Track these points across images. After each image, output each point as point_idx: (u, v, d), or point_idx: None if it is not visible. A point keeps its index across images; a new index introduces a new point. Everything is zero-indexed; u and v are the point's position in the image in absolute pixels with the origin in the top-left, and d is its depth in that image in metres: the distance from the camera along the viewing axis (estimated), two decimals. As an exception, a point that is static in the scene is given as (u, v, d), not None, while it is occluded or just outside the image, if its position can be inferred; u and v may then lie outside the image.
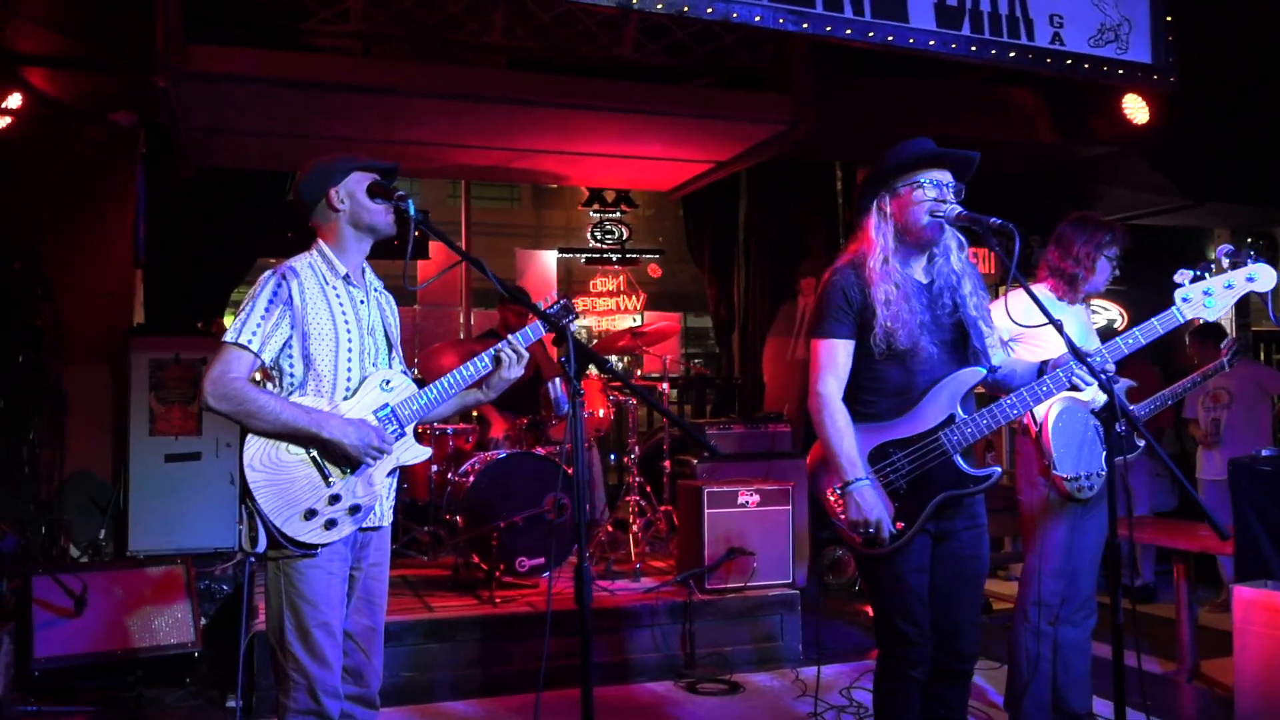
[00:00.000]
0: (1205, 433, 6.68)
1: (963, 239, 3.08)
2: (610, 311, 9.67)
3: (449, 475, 5.91)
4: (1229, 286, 2.94)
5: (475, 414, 6.32)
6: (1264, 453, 4.90)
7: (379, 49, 5.01)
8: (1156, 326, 2.96)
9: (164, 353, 6.06)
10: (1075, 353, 2.84)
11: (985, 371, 3.06)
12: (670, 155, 6.48)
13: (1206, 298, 2.94)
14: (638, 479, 6.26)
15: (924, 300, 3.04)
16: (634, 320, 9.47)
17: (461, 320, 8.67)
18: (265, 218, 7.07)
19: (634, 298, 9.66)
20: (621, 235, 9.43)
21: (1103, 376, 2.79)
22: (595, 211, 9.25)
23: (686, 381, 9.16)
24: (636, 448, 6.31)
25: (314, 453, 2.78)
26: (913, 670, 3.05)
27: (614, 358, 11.03)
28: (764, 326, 8.05)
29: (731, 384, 8.49)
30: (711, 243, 8.44)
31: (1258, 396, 6.63)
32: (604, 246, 9.42)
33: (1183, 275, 2.98)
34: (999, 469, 3.09)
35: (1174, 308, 2.95)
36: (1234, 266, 2.97)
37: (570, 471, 5.73)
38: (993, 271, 7.78)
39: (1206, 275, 2.95)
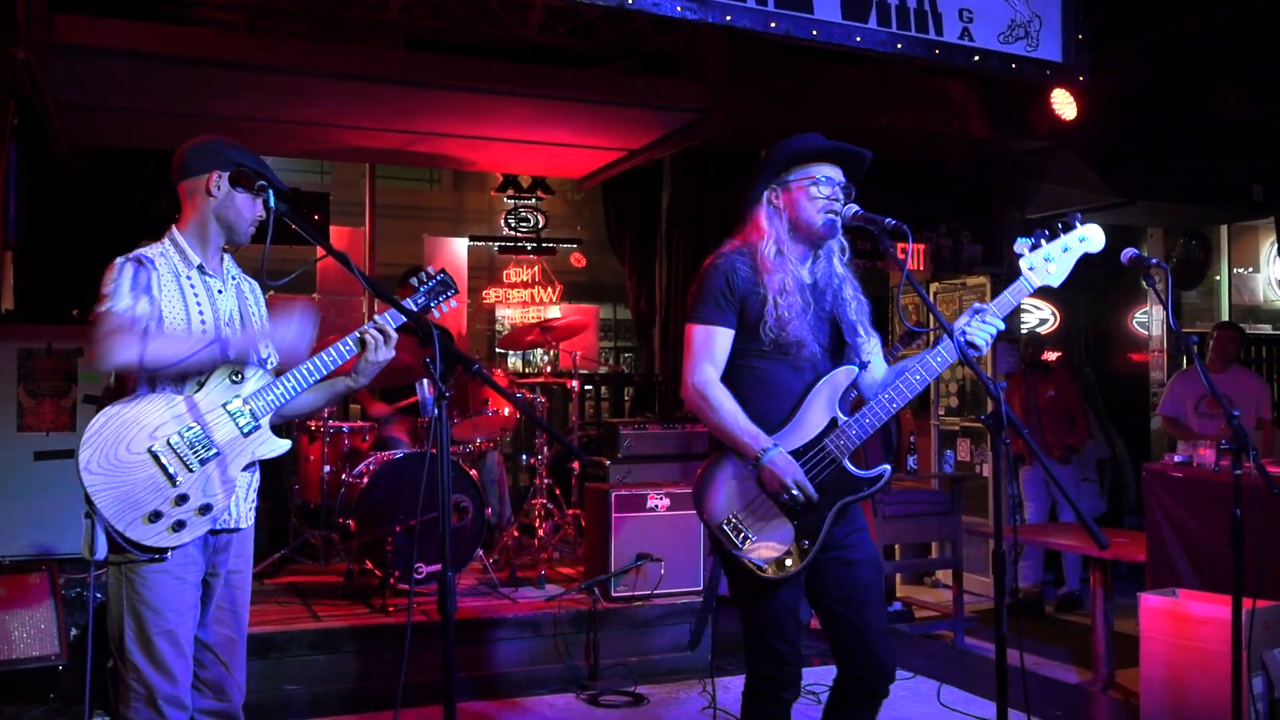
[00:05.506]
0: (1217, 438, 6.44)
1: (844, 243, 3.17)
2: (525, 303, 9.66)
3: (343, 476, 5.91)
4: (1065, 249, 3.10)
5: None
6: (1175, 458, 5.08)
7: (266, 24, 4.98)
8: (1009, 299, 3.08)
9: (35, 342, 5.95)
10: (950, 334, 3.01)
11: (859, 369, 3.12)
12: (579, 142, 6.50)
13: (1048, 264, 3.08)
14: (546, 481, 6.32)
15: (808, 298, 3.09)
16: (550, 313, 9.48)
17: (365, 310, 8.63)
18: (152, 198, 6.96)
19: (550, 289, 9.67)
20: (537, 223, 9.43)
21: (969, 349, 2.96)
22: (509, 197, 9.23)
23: (603, 378, 9.20)
24: (545, 448, 6.37)
25: (157, 450, 2.76)
26: (784, 692, 3.05)
27: (538, 351, 11.10)
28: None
29: (651, 381, 8.56)
30: (633, 232, 8.45)
31: (1247, 412, 6.35)
32: (519, 235, 9.40)
33: (1021, 245, 3.13)
34: (888, 467, 3.17)
35: (1021, 278, 3.09)
36: (1065, 230, 3.12)
37: (475, 475, 5.83)
38: (921, 268, 7.98)
39: (1043, 242, 3.10)
